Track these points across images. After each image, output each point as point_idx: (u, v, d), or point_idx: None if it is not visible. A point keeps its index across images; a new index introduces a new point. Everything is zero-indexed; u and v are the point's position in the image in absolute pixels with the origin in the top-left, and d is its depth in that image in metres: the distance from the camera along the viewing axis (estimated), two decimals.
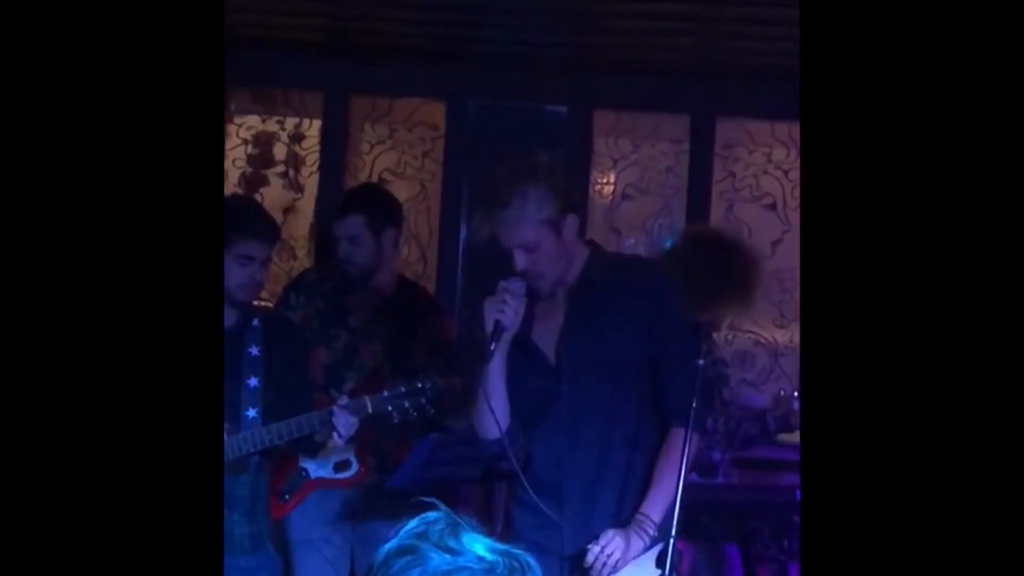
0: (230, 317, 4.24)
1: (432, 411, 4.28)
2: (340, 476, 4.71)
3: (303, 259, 6.82)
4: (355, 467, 4.71)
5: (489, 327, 3.60)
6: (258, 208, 4.50)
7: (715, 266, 4.42)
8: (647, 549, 3.60)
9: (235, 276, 4.16)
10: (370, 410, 4.19)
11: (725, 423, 4.60)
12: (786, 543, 4.55)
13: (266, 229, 4.28)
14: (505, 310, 3.60)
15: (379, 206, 4.92)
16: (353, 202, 4.92)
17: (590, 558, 3.56)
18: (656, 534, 3.59)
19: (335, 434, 4.17)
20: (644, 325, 3.67)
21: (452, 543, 1.96)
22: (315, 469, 4.70)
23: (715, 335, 4.52)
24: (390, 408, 4.21)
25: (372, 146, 6.98)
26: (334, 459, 4.68)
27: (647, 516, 3.60)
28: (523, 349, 3.73)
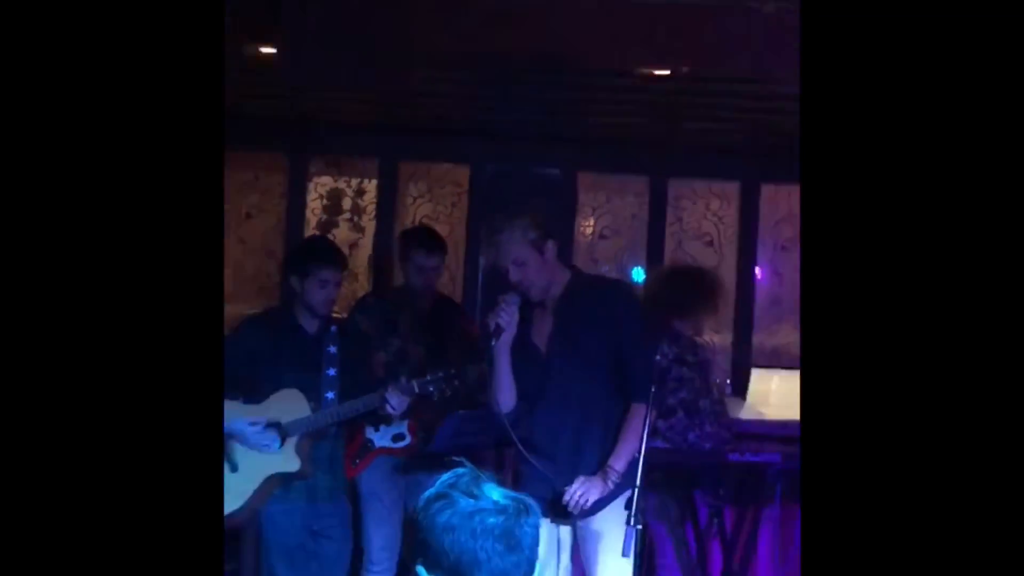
0: (313, 325, 4.30)
1: (463, 391, 4.33)
2: (397, 446, 4.73)
3: (363, 283, 6.87)
4: (408, 439, 4.72)
5: (491, 328, 3.65)
6: (333, 245, 4.63)
7: (695, 287, 4.60)
8: (613, 492, 3.60)
9: (317, 295, 4.23)
10: (416, 391, 4.24)
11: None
12: (720, 491, 4.60)
13: (339, 259, 4.35)
14: (502, 315, 3.64)
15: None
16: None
17: (566, 497, 3.59)
18: (619, 480, 3.60)
19: (390, 408, 4.22)
20: (613, 328, 3.68)
21: (475, 491, 2.00)
22: (378, 440, 4.71)
23: (700, 339, 4.57)
24: (431, 388, 4.25)
25: (414, 199, 7.01)
26: (392, 431, 4.73)
27: (611, 466, 3.62)
28: (524, 346, 3.75)
